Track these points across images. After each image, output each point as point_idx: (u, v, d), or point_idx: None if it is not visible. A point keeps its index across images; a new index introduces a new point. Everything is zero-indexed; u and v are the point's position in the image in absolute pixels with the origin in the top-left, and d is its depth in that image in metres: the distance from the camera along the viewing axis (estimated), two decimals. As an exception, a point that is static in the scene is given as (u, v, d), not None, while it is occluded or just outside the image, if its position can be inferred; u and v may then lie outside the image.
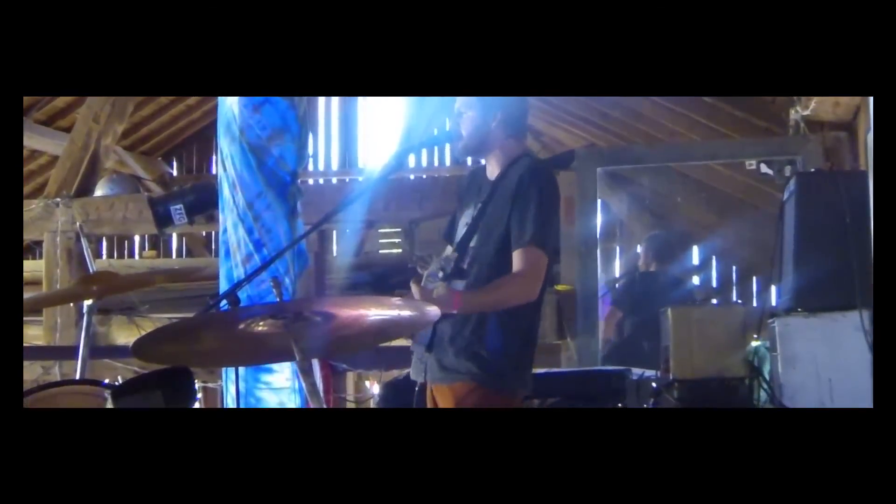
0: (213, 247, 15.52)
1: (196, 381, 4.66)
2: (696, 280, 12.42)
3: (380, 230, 11.04)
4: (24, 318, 11.48)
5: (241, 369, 6.46)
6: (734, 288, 14.05)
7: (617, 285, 11.31)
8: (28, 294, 11.17)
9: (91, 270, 6.93)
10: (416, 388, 5.03)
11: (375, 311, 4.26)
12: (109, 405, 3.77)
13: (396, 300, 4.42)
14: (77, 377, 5.64)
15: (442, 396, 4.88)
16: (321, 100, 15.95)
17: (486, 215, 4.92)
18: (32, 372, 9.70)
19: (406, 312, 4.33)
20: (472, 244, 4.94)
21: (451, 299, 4.59)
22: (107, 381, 5.48)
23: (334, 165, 16.48)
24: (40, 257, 11.96)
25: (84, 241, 7.76)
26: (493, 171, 4.98)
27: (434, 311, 4.23)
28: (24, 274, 12.95)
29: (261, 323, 4.03)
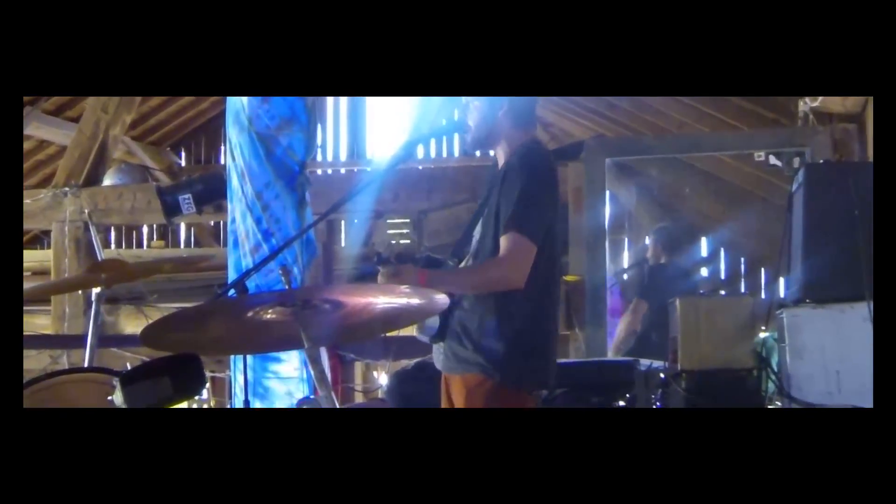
0: (221, 237, 15.56)
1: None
2: (704, 272, 12.42)
3: (388, 221, 11.07)
4: (34, 308, 11.56)
5: (250, 359, 6.47)
6: (742, 280, 14.05)
7: (626, 276, 11.33)
8: (37, 282, 11.24)
9: (100, 258, 6.96)
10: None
11: (384, 299, 4.26)
12: (118, 392, 3.77)
13: (404, 288, 4.42)
14: (85, 365, 5.65)
15: (454, 386, 4.87)
16: (330, 89, 15.93)
17: (486, 207, 4.92)
18: (40, 361, 9.72)
19: (414, 300, 4.33)
20: (475, 236, 4.95)
21: (415, 277, 4.58)
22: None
23: (342, 156, 16.48)
24: (48, 247, 12.00)
25: (93, 230, 7.80)
26: (500, 163, 4.98)
27: (442, 299, 4.22)
28: (33, 263, 13.04)
29: (269, 310, 4.03)
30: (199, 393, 4.52)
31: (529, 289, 4.69)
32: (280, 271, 4.35)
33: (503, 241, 4.65)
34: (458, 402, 4.83)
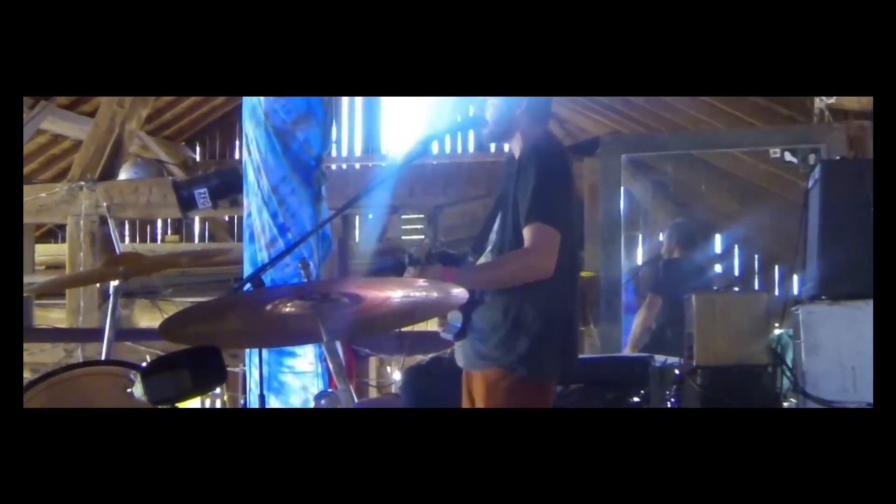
0: (236, 231, 15.57)
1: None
2: (718, 268, 12.41)
3: (403, 216, 11.06)
4: (48, 301, 11.59)
5: (265, 353, 6.48)
6: (756, 277, 14.05)
7: (640, 273, 11.31)
8: (52, 276, 11.25)
9: (118, 252, 6.97)
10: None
11: (402, 293, 4.26)
12: (137, 385, 3.79)
13: (422, 282, 4.41)
14: (103, 358, 5.67)
15: (475, 383, 4.86)
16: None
17: (504, 200, 4.91)
18: (55, 355, 9.75)
19: (432, 294, 4.33)
20: (493, 231, 4.94)
21: (442, 276, 4.57)
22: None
23: (358, 151, 16.49)
24: (63, 241, 12.02)
25: (111, 223, 7.81)
26: (515, 156, 4.98)
27: (461, 292, 4.22)
28: (48, 257, 13.06)
29: (288, 304, 4.04)
30: (218, 386, 4.53)
31: (549, 280, 4.69)
32: (300, 264, 4.36)
33: (527, 233, 4.63)
34: (479, 398, 4.81)
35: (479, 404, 4.79)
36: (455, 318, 4.86)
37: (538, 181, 4.65)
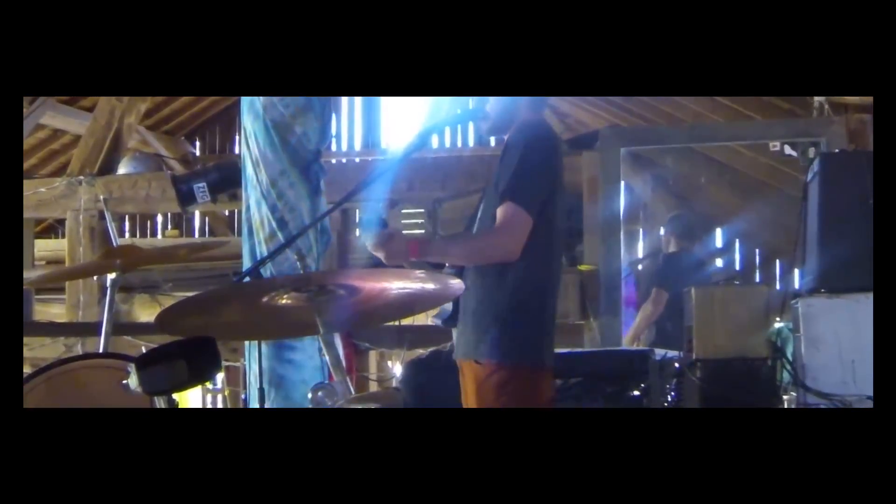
0: (235, 226, 15.57)
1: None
2: (719, 262, 12.41)
3: (403, 210, 11.06)
4: (48, 296, 11.58)
5: (264, 347, 6.47)
6: (757, 270, 14.05)
7: (640, 267, 11.32)
8: (52, 269, 11.24)
9: (115, 245, 6.96)
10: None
11: (399, 285, 4.25)
12: (133, 376, 3.77)
13: (420, 273, 4.40)
14: (100, 351, 5.67)
15: (468, 373, 4.83)
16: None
17: (488, 186, 4.90)
18: (55, 349, 9.73)
19: (430, 286, 4.32)
20: (479, 215, 4.93)
21: (407, 247, 4.55)
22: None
23: (357, 146, 16.49)
24: (63, 236, 12.02)
25: (108, 215, 7.80)
26: None
27: (457, 284, 4.21)
28: (47, 253, 13.04)
29: (284, 296, 4.03)
30: (214, 377, 4.51)
31: (530, 265, 4.65)
32: (296, 256, 4.35)
33: (498, 212, 4.59)
34: (469, 394, 4.78)
35: (471, 401, 4.75)
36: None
37: (519, 163, 4.61)
